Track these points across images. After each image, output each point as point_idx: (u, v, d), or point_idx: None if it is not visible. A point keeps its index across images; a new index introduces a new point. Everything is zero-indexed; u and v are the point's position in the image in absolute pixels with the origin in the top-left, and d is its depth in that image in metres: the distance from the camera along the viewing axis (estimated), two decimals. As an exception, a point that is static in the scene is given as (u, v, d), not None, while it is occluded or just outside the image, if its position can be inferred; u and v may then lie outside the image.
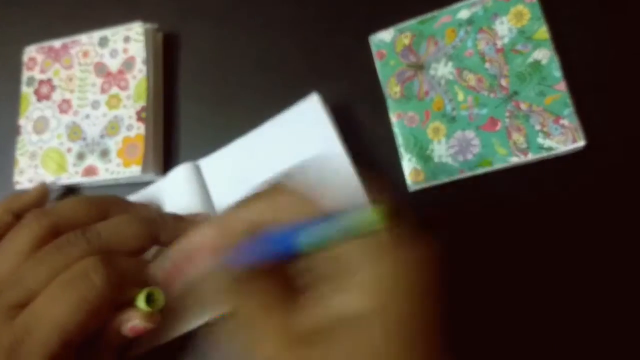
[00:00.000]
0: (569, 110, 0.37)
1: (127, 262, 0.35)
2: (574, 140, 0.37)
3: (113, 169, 0.42)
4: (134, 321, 0.35)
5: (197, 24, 0.47)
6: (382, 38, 0.42)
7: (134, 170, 0.42)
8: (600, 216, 0.37)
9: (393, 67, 0.42)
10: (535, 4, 0.39)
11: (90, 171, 0.43)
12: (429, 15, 0.42)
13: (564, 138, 0.37)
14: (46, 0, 0.51)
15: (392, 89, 0.42)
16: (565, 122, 0.37)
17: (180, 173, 0.41)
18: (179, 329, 0.38)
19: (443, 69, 0.41)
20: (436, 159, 0.39)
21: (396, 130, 0.41)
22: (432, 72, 0.41)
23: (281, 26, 0.46)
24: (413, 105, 0.41)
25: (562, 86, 0.38)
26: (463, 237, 0.37)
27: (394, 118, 0.41)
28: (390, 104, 0.41)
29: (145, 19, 0.45)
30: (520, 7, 0.39)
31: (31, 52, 0.48)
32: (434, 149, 0.40)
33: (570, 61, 0.38)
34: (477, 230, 0.37)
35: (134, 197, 0.43)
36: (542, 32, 0.39)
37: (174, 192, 0.41)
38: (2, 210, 0.38)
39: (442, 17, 0.41)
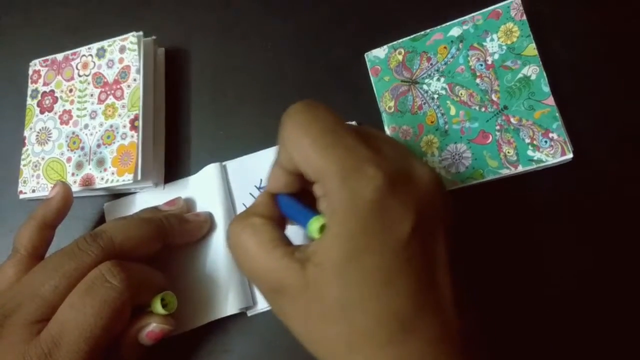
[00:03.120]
0: (557, 124, 0.38)
1: (138, 267, 0.36)
2: (563, 153, 0.38)
3: (108, 178, 0.43)
4: (151, 326, 0.36)
5: (200, 39, 0.49)
6: (377, 55, 0.44)
7: (127, 179, 0.42)
8: (585, 225, 0.38)
9: (387, 82, 0.43)
10: (524, 22, 0.40)
11: (87, 180, 0.44)
12: (421, 32, 0.43)
13: (553, 151, 0.38)
14: (52, 17, 0.52)
15: (386, 104, 0.43)
16: (554, 135, 0.38)
17: (211, 170, 0.44)
18: (193, 323, 0.40)
19: (436, 85, 0.42)
20: (429, 172, 0.40)
21: (391, 143, 0.42)
22: (425, 87, 0.42)
23: (281, 42, 0.47)
24: (407, 119, 0.42)
25: (550, 101, 0.39)
26: (456, 247, 0.38)
27: (389, 131, 0.42)
28: (385, 118, 0.43)
29: (149, 34, 0.47)
30: (509, 25, 0.41)
31: (35, 65, 0.49)
32: (427, 161, 0.41)
33: (558, 77, 0.40)
34: (469, 240, 0.38)
35: (170, 187, 0.45)
36: (531, 48, 0.40)
37: (203, 186, 0.44)
38: (43, 226, 0.38)
39: (434, 35, 0.42)
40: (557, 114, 0.39)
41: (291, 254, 0.29)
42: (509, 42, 0.40)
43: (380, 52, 0.44)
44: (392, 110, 0.43)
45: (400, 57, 0.43)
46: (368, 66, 0.44)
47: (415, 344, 0.27)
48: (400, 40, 0.43)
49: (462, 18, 0.42)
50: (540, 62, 0.39)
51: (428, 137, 0.41)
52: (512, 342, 0.37)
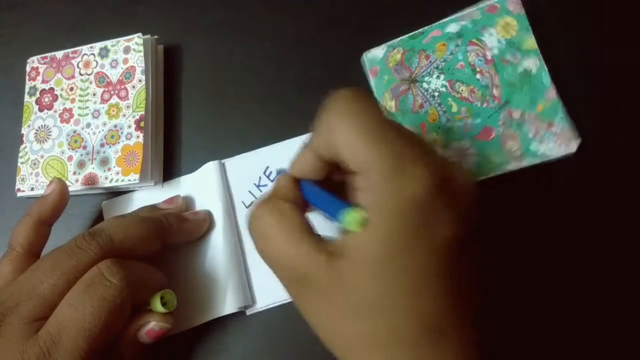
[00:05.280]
0: (560, 116, 0.38)
1: (137, 265, 0.36)
2: (568, 145, 0.37)
3: (112, 177, 0.43)
4: (150, 324, 0.35)
5: (197, 37, 0.49)
6: (375, 54, 0.44)
7: (133, 179, 0.42)
8: (592, 218, 0.38)
9: (387, 82, 0.43)
10: (522, 15, 0.40)
11: (90, 179, 0.44)
12: (419, 30, 0.43)
13: (557, 144, 0.38)
14: (50, 14, 0.53)
15: (387, 104, 0.43)
16: (557, 128, 0.38)
17: (209, 168, 0.44)
18: (192, 322, 0.40)
19: (436, 82, 0.42)
20: (433, 169, 0.40)
21: (393, 142, 0.41)
22: (425, 85, 0.42)
23: (279, 41, 0.47)
24: (409, 118, 0.42)
25: (552, 93, 0.38)
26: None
27: (390, 131, 0.42)
28: (386, 118, 0.42)
29: (146, 31, 0.47)
30: (508, 18, 0.40)
31: (33, 62, 0.49)
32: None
33: (559, 69, 0.39)
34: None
35: (168, 185, 0.45)
36: (531, 41, 0.40)
37: (202, 184, 0.44)
38: (39, 223, 0.38)
39: (432, 32, 0.42)
40: (560, 106, 0.38)
41: (318, 245, 0.28)
42: (507, 36, 0.40)
43: (378, 52, 0.44)
44: (393, 109, 0.42)
45: (398, 56, 0.43)
46: (367, 66, 0.44)
47: (441, 350, 0.26)
48: (398, 38, 0.43)
49: (460, 14, 0.42)
50: (541, 55, 0.39)
51: (431, 136, 0.41)
52: (511, 342, 0.36)
